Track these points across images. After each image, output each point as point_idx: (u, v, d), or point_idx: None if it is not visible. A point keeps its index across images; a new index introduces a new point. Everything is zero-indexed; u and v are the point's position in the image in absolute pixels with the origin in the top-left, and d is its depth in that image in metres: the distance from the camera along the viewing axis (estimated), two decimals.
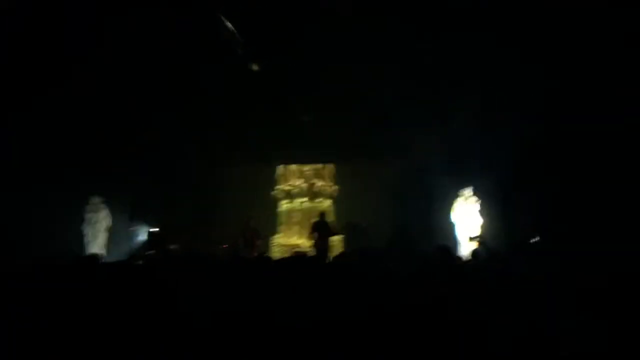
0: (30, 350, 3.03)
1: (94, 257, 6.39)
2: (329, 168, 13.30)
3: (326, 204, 12.89)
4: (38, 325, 3.16)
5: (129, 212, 11.59)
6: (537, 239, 9.60)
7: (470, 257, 6.27)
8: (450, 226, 10.24)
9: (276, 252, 12.11)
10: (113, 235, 11.09)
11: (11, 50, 8.25)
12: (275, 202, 13.27)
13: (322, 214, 10.90)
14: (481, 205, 10.14)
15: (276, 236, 12.85)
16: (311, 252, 10.05)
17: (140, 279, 4.16)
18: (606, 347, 2.91)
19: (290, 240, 12.63)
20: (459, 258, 6.21)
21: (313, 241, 10.40)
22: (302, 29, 8.58)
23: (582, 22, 7.63)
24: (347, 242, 11.53)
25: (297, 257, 5.56)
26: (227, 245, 10.34)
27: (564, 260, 5.61)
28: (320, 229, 10.41)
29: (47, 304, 3.37)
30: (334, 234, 10.68)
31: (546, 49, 8.30)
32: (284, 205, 13.25)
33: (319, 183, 13.15)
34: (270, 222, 12.86)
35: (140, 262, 6.00)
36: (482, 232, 9.56)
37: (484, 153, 10.26)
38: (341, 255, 6.46)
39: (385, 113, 10.98)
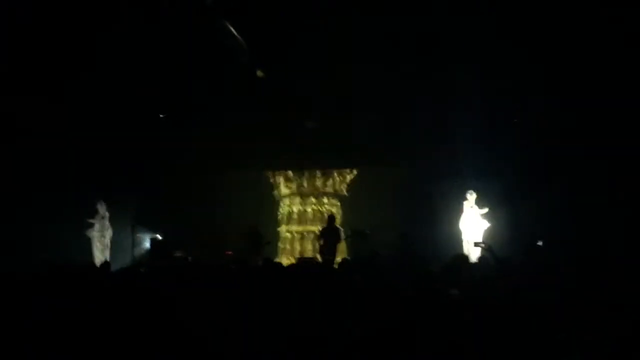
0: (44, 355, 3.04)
1: (106, 264, 6.42)
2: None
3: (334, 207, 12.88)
4: (53, 331, 3.16)
5: (131, 220, 11.59)
6: (540, 243, 9.58)
7: (476, 264, 6.24)
8: (457, 232, 10.22)
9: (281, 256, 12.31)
10: (115, 242, 11.07)
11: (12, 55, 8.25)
12: (276, 204, 13.26)
13: (331, 219, 10.81)
14: (487, 210, 10.11)
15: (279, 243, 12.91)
16: (318, 258, 10.02)
17: (148, 287, 4.15)
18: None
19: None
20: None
21: (320, 246, 10.34)
22: (306, 35, 8.58)
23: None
24: (351, 248, 11.49)
25: (304, 264, 5.55)
26: (231, 252, 10.32)
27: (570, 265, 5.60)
28: (328, 235, 10.33)
29: (62, 311, 3.37)
30: (340, 241, 10.60)
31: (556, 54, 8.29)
32: (287, 205, 13.19)
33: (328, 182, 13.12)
34: (273, 227, 12.84)
35: (144, 269, 5.97)
36: (487, 237, 9.53)
37: (490, 158, 10.26)
38: (345, 262, 6.43)
39: (391, 119, 10.98)
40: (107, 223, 10.80)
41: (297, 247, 12.70)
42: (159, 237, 11.43)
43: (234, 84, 10.32)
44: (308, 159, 12.47)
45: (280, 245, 12.80)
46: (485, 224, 9.98)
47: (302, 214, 12.94)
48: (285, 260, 11.95)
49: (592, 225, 8.39)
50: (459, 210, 10.37)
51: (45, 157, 9.63)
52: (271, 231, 12.53)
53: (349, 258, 9.08)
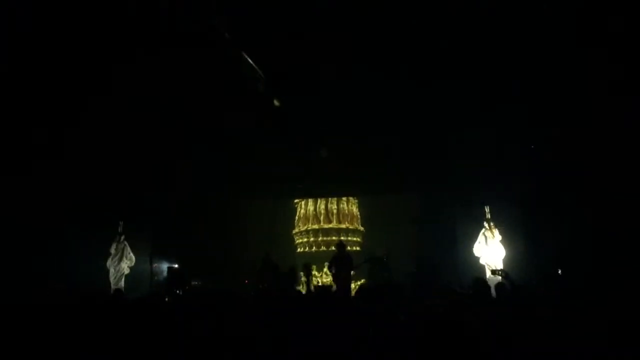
0: None
1: (119, 292, 6.48)
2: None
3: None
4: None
5: (149, 249, 11.64)
6: (559, 271, 9.45)
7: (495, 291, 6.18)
8: (474, 259, 10.13)
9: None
10: (133, 271, 11.10)
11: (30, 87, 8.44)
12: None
13: (342, 246, 10.71)
14: (504, 237, 10.02)
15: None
16: (333, 285, 9.97)
17: (166, 315, 4.19)
18: None
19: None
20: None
21: (332, 275, 10.28)
22: (321, 65, 8.69)
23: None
24: (368, 274, 11.44)
25: (320, 292, 5.56)
26: (248, 281, 10.32)
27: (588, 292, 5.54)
28: (340, 263, 10.27)
29: (78, 337, 3.41)
30: (352, 268, 10.53)
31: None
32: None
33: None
34: (290, 255, 12.88)
35: (167, 298, 6.03)
36: (506, 265, 9.44)
37: (506, 184, 10.21)
38: (362, 290, 6.40)
39: (406, 145, 11.00)
40: (124, 252, 10.82)
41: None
42: (176, 266, 11.46)
43: (251, 113, 10.40)
44: (325, 187, 12.53)
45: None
46: (503, 251, 9.88)
47: None
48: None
49: (612, 253, 8.25)
50: (477, 237, 10.31)
51: (62, 186, 9.70)
52: (287, 258, 12.60)
53: (365, 285, 9.04)
